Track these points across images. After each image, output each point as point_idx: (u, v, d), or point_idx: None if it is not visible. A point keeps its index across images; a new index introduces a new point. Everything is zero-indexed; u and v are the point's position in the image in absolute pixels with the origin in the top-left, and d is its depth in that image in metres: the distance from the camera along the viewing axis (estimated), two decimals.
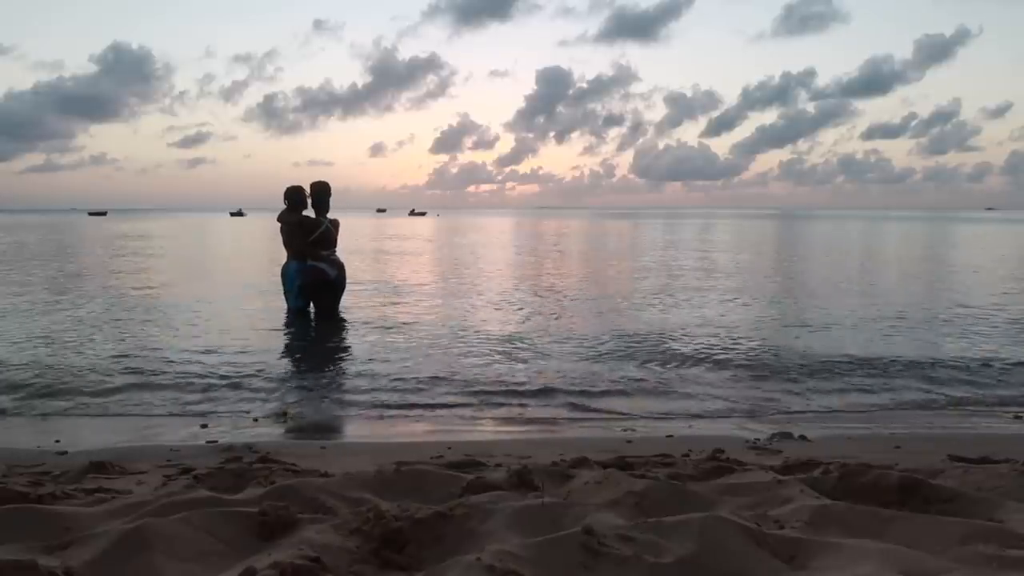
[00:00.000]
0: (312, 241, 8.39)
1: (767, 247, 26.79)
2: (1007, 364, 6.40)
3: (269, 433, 4.47)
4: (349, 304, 9.26)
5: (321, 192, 8.51)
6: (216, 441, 4.10)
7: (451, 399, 5.29)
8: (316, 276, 8.44)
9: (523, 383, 5.73)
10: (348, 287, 9.29)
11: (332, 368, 6.32)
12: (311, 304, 8.76)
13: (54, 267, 16.91)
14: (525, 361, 6.53)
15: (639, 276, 14.82)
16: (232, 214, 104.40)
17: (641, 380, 5.85)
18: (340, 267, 8.71)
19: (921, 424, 4.74)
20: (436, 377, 5.90)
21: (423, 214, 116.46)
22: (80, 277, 14.41)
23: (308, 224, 8.41)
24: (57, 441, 4.14)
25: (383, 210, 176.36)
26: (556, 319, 9.02)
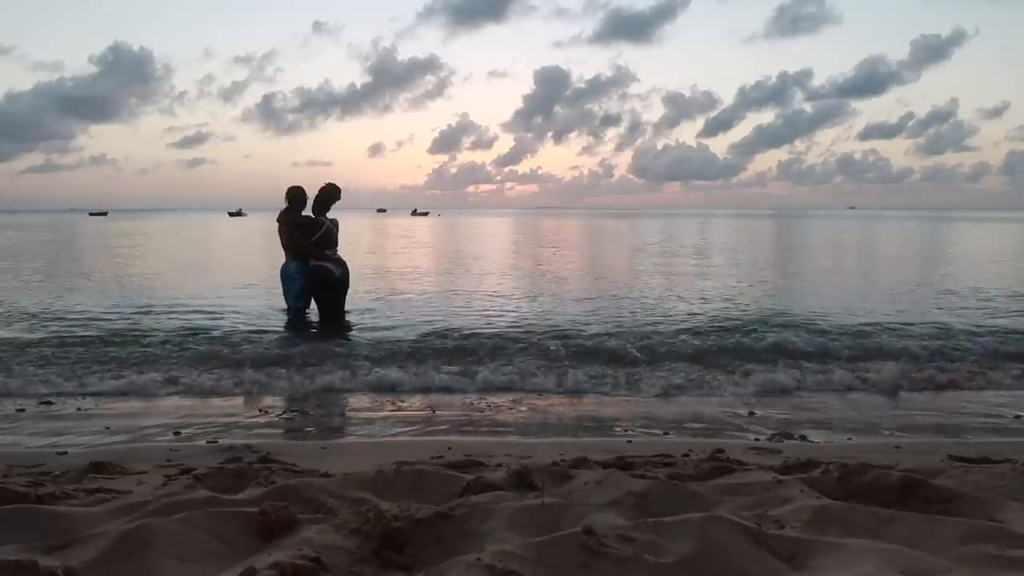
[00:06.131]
0: (315, 241, 8.38)
1: (765, 244, 26.79)
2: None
3: (269, 433, 4.47)
4: (351, 304, 9.24)
5: (328, 194, 8.54)
6: (216, 441, 4.10)
7: (452, 399, 5.29)
8: (321, 275, 8.45)
9: (525, 383, 5.72)
10: (351, 286, 9.28)
11: (332, 368, 6.31)
12: (312, 304, 8.75)
13: (55, 268, 16.89)
14: (528, 361, 6.51)
15: (639, 273, 14.81)
16: (231, 214, 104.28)
17: (641, 379, 5.84)
18: (344, 266, 8.72)
19: (922, 423, 4.74)
20: (438, 376, 5.90)
21: (426, 214, 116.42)
22: (81, 274, 14.41)
23: (311, 224, 8.41)
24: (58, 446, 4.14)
25: (383, 210, 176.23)
26: (561, 319, 9.01)
